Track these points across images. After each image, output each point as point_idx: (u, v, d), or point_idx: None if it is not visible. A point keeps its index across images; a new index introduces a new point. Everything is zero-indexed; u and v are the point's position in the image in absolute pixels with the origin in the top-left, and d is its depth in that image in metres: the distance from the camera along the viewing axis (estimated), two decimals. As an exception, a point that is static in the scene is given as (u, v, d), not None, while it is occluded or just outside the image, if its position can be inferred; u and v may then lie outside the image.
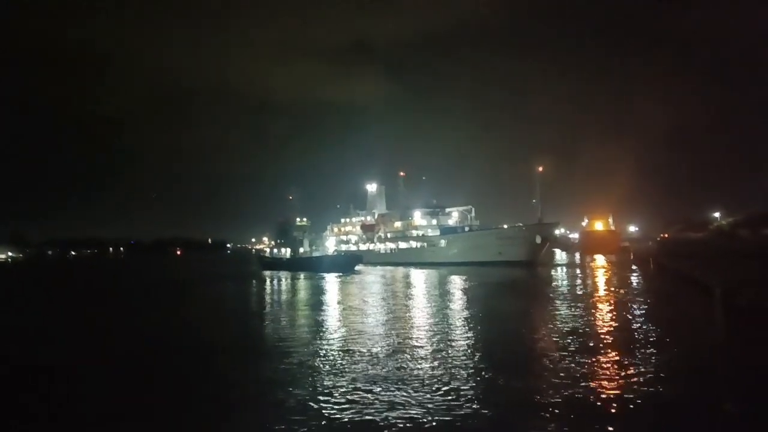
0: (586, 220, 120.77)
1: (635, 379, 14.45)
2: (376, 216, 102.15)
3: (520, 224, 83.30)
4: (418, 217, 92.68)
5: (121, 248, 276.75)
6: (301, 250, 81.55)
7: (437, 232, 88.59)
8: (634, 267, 60.35)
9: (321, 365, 17.17)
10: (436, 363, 16.88)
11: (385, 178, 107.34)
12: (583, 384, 14.06)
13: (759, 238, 65.35)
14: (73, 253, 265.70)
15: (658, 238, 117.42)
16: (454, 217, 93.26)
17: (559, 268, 66.91)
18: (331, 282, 53.42)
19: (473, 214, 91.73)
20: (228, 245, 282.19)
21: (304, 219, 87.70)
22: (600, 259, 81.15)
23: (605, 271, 58.92)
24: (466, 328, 24.07)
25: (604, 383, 14.20)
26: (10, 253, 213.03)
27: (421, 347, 19.45)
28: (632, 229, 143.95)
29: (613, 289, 40.44)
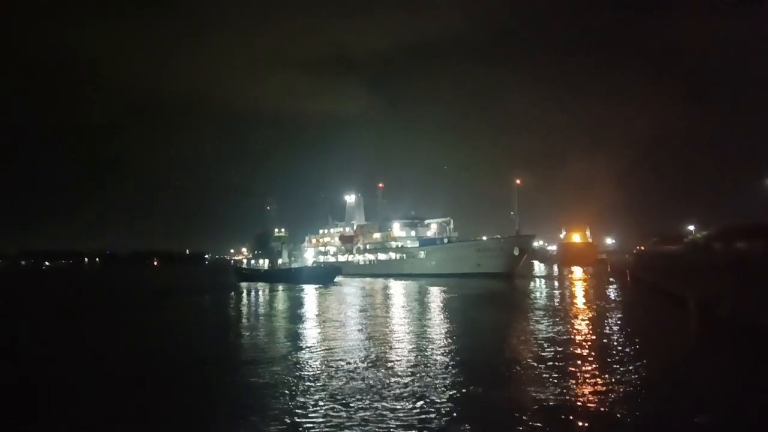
0: (564, 233, 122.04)
1: (611, 390, 14.53)
2: (354, 227, 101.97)
3: (498, 236, 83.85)
4: (397, 229, 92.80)
5: (97, 259, 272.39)
6: (280, 261, 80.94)
7: (416, 244, 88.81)
8: (611, 279, 60.98)
9: (298, 378, 16.99)
10: (413, 376, 16.81)
11: (364, 190, 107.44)
12: (559, 396, 14.09)
13: (732, 251, 66.41)
14: (47, 264, 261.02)
15: (635, 251, 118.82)
16: (432, 228, 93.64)
17: (537, 280, 67.39)
18: (310, 294, 53.09)
19: (452, 225, 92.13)
20: (206, 256, 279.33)
21: (283, 230, 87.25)
22: (578, 272, 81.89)
23: (583, 283, 59.46)
24: (445, 340, 24.03)
25: (580, 396, 14.25)
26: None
27: (400, 360, 19.37)
28: (609, 241, 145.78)
29: (590, 301, 40.79)
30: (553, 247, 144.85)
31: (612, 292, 47.19)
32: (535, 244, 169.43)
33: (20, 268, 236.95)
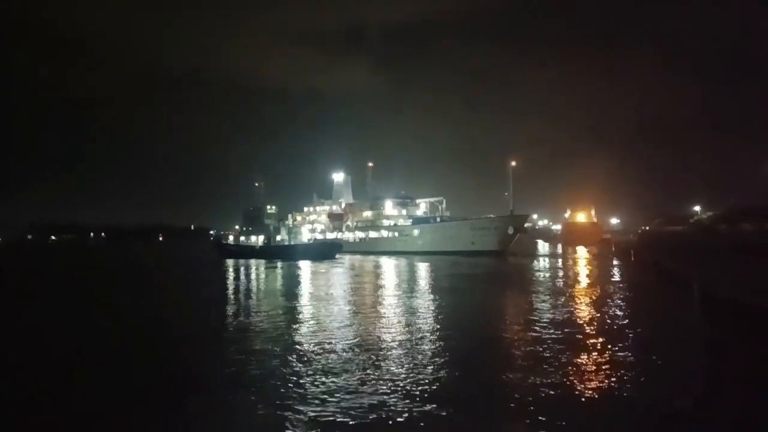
0: (569, 212, 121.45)
1: (609, 371, 14.47)
2: (342, 205, 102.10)
3: (492, 215, 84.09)
4: (389, 207, 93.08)
5: (103, 234, 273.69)
6: (279, 237, 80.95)
7: (408, 222, 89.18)
8: (614, 259, 60.76)
9: (295, 357, 17.06)
10: (409, 355, 16.84)
11: (352, 169, 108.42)
12: (554, 379, 13.99)
13: (737, 232, 66.20)
14: (53, 237, 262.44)
15: (639, 231, 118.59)
16: (423, 207, 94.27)
17: (541, 259, 67.23)
18: (314, 270, 53.21)
19: (444, 205, 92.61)
20: (211, 232, 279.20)
21: (273, 207, 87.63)
22: (581, 251, 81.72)
23: (586, 263, 59.27)
24: (452, 320, 24.02)
25: (575, 377, 14.18)
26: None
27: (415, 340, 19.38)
28: (614, 221, 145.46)
29: (593, 280, 40.62)
30: (557, 227, 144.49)
31: (615, 271, 47.00)
32: (540, 223, 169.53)
33: (26, 241, 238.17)
